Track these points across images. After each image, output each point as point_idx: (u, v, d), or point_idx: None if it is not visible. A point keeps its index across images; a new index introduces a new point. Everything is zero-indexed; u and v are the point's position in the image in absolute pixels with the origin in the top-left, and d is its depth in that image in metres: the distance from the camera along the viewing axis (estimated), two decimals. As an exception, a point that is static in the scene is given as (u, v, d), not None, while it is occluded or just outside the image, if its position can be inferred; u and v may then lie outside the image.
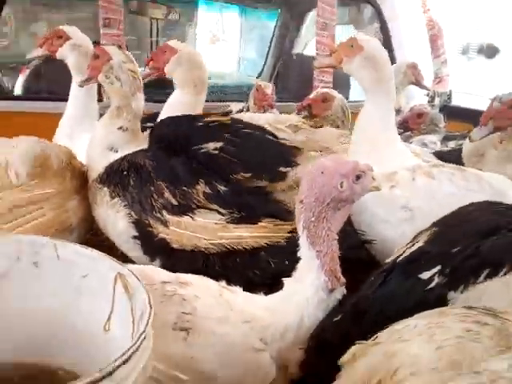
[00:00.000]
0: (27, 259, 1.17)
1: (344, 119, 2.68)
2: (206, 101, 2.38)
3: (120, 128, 1.85)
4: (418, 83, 3.43)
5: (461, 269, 1.24)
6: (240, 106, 3.12)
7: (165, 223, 1.67)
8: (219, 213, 1.67)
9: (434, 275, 1.25)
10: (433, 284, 1.24)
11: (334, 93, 2.72)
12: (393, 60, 4.18)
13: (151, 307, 0.95)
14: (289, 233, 1.62)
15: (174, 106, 2.26)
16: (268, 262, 1.61)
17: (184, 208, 1.68)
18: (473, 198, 1.53)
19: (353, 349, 0.97)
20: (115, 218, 1.74)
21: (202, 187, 1.70)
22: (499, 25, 5.50)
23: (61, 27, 2.42)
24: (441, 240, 1.33)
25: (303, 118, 2.53)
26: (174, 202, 1.69)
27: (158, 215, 1.67)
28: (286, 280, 1.33)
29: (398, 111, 3.43)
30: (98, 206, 1.80)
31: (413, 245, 1.37)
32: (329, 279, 1.27)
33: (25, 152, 1.73)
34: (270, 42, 5.13)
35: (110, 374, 0.78)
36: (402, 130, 3.11)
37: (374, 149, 1.77)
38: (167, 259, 1.67)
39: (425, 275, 1.26)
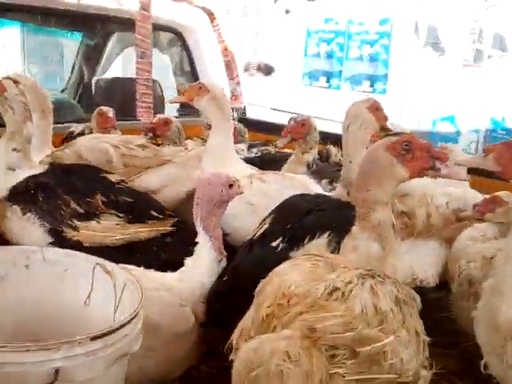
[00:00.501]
0: (20, 263, 1.64)
1: (179, 137, 3.35)
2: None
3: (14, 149, 2.29)
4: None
5: (294, 237, 2.03)
6: (81, 127, 3.56)
7: (75, 228, 2.17)
8: (118, 216, 2.24)
9: (279, 243, 2.02)
10: (279, 248, 2.01)
11: (172, 118, 3.37)
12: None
13: (135, 280, 1.53)
14: (171, 226, 2.28)
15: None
16: (159, 249, 2.23)
17: (90, 215, 2.21)
18: (290, 192, 2.36)
19: (260, 284, 1.66)
20: (30, 229, 2.18)
21: (100, 197, 2.24)
22: (274, 46, 6.69)
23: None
24: (279, 221, 2.12)
25: (149, 138, 3.17)
26: (81, 211, 2.21)
27: (69, 222, 2.17)
28: (188, 259, 1.99)
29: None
30: (8, 221, 2.22)
31: (261, 227, 2.13)
32: (218, 254, 1.98)
33: None
34: (74, 62, 5.48)
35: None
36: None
37: (222, 165, 2.50)
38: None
39: (274, 244, 2.03)
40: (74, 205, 2.21)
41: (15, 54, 6.97)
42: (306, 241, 2.01)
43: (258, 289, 1.56)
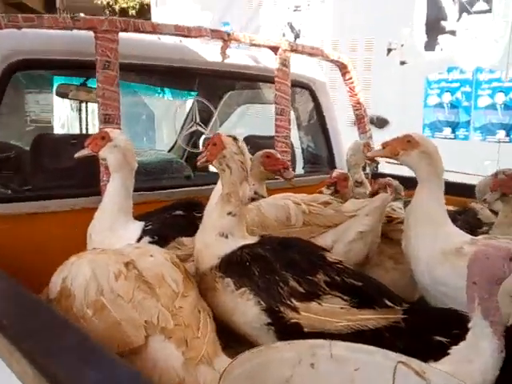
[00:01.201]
0: (305, 362, 1.34)
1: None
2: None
3: (229, 213, 2.04)
4: (370, 159, 3.98)
5: None
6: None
7: (295, 309, 1.88)
8: (342, 299, 1.92)
9: None
10: None
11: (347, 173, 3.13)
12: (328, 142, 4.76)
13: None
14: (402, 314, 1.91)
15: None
16: (391, 340, 1.88)
17: (311, 295, 1.91)
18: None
19: None
20: (245, 307, 1.91)
21: (322, 276, 1.94)
22: (387, 99, 6.47)
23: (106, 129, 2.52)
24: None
25: (331, 194, 2.99)
26: (301, 290, 1.91)
27: (288, 302, 1.88)
28: (454, 348, 1.64)
29: (360, 183, 3.97)
30: (219, 294, 1.97)
31: None
32: (500, 342, 1.62)
33: (168, 260, 1.85)
34: (185, 120, 5.37)
35: None
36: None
37: (437, 229, 2.20)
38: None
39: None
40: (293, 282, 1.93)
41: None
42: None
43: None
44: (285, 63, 4.02)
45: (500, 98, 5.64)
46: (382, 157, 2.49)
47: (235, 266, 1.98)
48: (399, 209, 3.58)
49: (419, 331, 1.84)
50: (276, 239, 2.14)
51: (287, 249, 2.04)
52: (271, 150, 3.23)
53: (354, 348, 1.36)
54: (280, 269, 1.95)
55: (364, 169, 4.87)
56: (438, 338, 1.74)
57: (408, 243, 2.34)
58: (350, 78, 4.54)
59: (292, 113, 5.19)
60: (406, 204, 3.69)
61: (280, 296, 1.90)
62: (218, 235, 2.05)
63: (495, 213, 3.48)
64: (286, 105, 4.09)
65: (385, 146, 2.38)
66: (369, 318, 1.87)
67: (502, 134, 5.54)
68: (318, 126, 4.81)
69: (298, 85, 4.64)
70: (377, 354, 1.34)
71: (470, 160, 5.34)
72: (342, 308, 1.89)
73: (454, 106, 6.00)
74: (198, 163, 2.17)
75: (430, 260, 2.23)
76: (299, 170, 4.83)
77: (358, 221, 2.47)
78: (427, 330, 1.71)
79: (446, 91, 6.03)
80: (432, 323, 1.76)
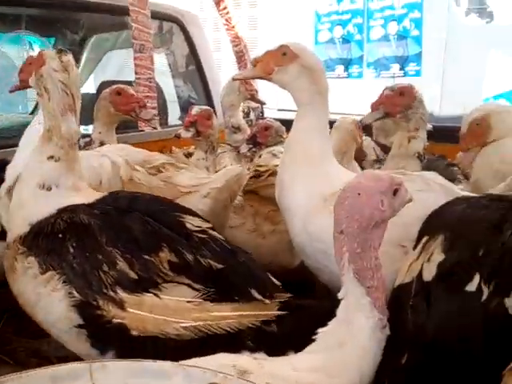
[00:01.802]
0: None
1: (218, 141, 2.50)
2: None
3: (51, 157, 1.43)
4: (252, 98, 3.41)
5: (500, 271, 1.18)
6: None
7: (120, 304, 1.27)
8: (192, 288, 1.32)
9: (479, 286, 1.16)
10: (485, 295, 1.15)
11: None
12: (205, 82, 4.13)
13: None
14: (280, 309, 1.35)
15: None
16: (256, 342, 1.30)
17: (146, 283, 1.30)
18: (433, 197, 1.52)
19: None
20: (50, 300, 1.29)
21: (166, 255, 1.33)
22: (275, 38, 5.87)
23: None
24: (457, 246, 1.26)
25: (192, 135, 2.37)
26: (132, 276, 1.30)
27: (111, 293, 1.27)
28: (322, 330, 1.13)
29: (238, 128, 3.40)
30: (19, 279, 1.34)
31: (429, 260, 1.27)
32: (382, 316, 1.11)
33: None
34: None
35: None
36: (251, 146, 3.06)
37: (317, 169, 1.64)
38: (124, 351, 1.27)
39: (471, 287, 1.17)
40: (122, 264, 1.31)
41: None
42: None
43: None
44: (140, -13, 3.30)
45: (393, 28, 5.22)
46: (253, 78, 1.88)
47: (43, 238, 1.35)
48: (281, 153, 3.08)
49: (293, 334, 1.30)
50: (125, 198, 1.49)
51: (127, 214, 1.40)
52: (122, 86, 2.56)
53: (135, 370, 0.78)
54: (106, 244, 1.32)
55: (247, 115, 4.34)
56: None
57: (282, 190, 1.77)
58: (225, 8, 3.90)
59: (164, 56, 4.55)
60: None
61: (101, 284, 1.29)
62: (36, 187, 1.41)
63: (383, 147, 3.05)
64: (147, 39, 3.38)
65: (255, 62, 1.76)
66: (226, 317, 1.30)
67: (396, 68, 5.15)
68: (195, 68, 4.18)
69: (165, 18, 3.97)
70: (174, 376, 0.77)
71: (364, 100, 4.92)
72: (189, 302, 1.30)
73: (346, 40, 5.52)
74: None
75: (307, 209, 1.69)
76: (175, 120, 4.23)
77: (194, 203, 1.80)
78: (304, 333, 1.16)
79: (337, 24, 5.54)
80: (312, 323, 1.21)
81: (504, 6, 4.58)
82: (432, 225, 1.38)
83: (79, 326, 1.26)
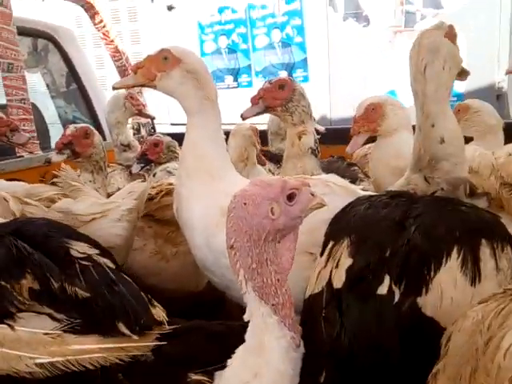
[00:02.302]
0: None
1: (105, 160, 2.31)
2: None
3: None
4: (140, 113, 3.25)
5: (408, 271, 1.13)
6: None
7: None
8: (53, 318, 1.18)
9: (390, 288, 1.10)
10: (396, 297, 1.09)
11: (91, 127, 2.31)
12: (88, 100, 3.89)
13: None
14: (157, 339, 1.22)
15: None
16: (128, 378, 1.16)
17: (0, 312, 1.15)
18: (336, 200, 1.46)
19: None
20: None
21: (28, 281, 1.16)
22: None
23: None
24: (364, 249, 1.20)
25: (67, 157, 2.22)
26: None
27: None
28: (231, 362, 1.02)
29: (128, 146, 3.21)
30: None
31: (337, 265, 1.20)
32: (295, 334, 1.02)
33: None
34: None
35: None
36: (143, 164, 2.91)
37: (214, 181, 1.54)
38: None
39: (382, 291, 1.11)
40: None
41: None
42: (431, 272, 1.12)
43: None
44: (3, 1, 3.04)
45: (276, 36, 5.26)
46: (134, 86, 1.73)
47: None
48: (175, 170, 2.94)
49: (171, 367, 1.17)
50: (19, 222, 1.41)
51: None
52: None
53: None
54: None
55: (138, 131, 4.16)
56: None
57: (179, 205, 1.65)
58: (101, 21, 3.69)
59: (41, 76, 4.25)
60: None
61: None
62: None
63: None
64: (15, 57, 3.11)
65: (136, 69, 1.63)
66: (89, 351, 1.14)
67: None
68: (76, 87, 3.93)
69: (38, 34, 3.68)
70: None
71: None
72: (46, 334, 1.14)
73: (232, 50, 5.47)
74: None
75: (206, 224, 1.58)
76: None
77: (103, 229, 1.68)
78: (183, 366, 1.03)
79: (222, 35, 5.47)
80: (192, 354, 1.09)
81: (378, 10, 4.77)
82: (336, 229, 1.32)
83: None
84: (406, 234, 1.17)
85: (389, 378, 1.03)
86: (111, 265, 1.37)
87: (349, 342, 1.05)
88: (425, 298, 1.07)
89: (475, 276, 1.10)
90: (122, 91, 3.12)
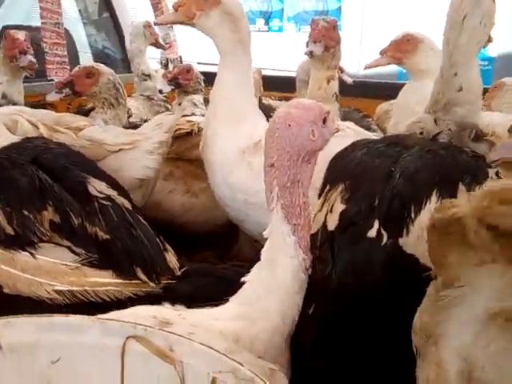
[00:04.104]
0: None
1: (118, 96, 2.31)
2: None
3: None
4: (156, 42, 3.26)
5: (392, 216, 1.19)
6: None
7: None
8: (71, 251, 1.26)
9: (378, 231, 1.18)
10: (384, 239, 1.17)
11: (102, 67, 2.31)
12: (119, 30, 3.91)
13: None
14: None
15: None
16: None
17: (22, 240, 1.24)
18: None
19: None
20: None
21: (49, 213, 1.25)
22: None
23: None
24: (357, 195, 1.26)
25: (64, 96, 2.20)
26: (9, 231, 1.23)
27: None
28: (246, 279, 1.11)
29: (148, 76, 3.23)
30: None
31: (331, 210, 1.27)
32: (306, 256, 1.10)
33: None
34: None
35: None
36: (173, 86, 2.94)
37: (240, 124, 1.63)
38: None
39: (371, 234, 1.18)
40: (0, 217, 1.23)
41: None
42: (411, 214, 1.18)
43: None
44: None
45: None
46: (174, 23, 1.78)
47: None
48: (201, 104, 2.98)
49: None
50: (34, 149, 1.42)
51: (20, 166, 1.32)
52: (13, 30, 2.35)
53: (45, 325, 0.72)
54: None
55: (166, 66, 4.17)
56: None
57: (204, 145, 1.74)
58: (139, -49, 3.68)
59: (74, 2, 4.25)
60: (206, 101, 3.10)
61: None
62: None
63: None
64: (53, -19, 3.14)
65: (177, 7, 1.68)
66: (106, 283, 1.24)
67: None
68: (108, 16, 3.95)
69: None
70: (89, 330, 0.72)
71: (284, 54, 4.86)
72: (65, 265, 1.24)
73: (266, -6, 5.41)
74: None
75: (224, 162, 1.67)
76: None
77: (134, 160, 1.70)
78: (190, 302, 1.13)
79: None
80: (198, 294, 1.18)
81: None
82: (333, 172, 1.38)
83: None
84: (392, 181, 1.24)
85: (373, 310, 1.12)
86: (128, 206, 1.42)
87: (338, 278, 1.14)
88: (406, 238, 1.15)
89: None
90: (141, 20, 3.15)
